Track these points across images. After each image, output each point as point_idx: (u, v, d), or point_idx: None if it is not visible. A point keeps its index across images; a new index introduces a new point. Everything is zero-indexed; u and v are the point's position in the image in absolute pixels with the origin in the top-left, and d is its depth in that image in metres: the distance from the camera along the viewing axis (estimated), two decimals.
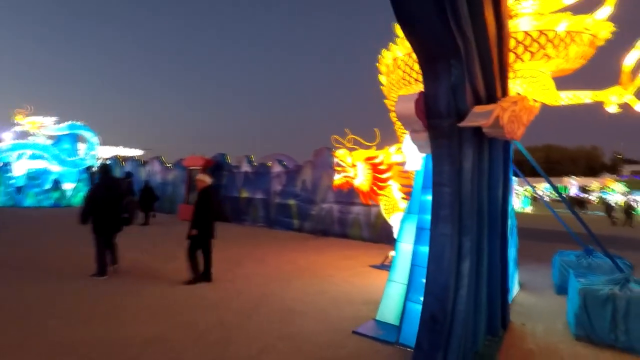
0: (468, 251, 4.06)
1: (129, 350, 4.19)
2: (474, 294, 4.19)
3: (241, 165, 18.28)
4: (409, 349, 4.48)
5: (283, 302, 6.11)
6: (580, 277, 5.61)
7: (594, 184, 72.74)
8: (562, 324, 5.81)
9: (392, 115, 7.63)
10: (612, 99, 5.15)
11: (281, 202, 16.23)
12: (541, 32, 4.68)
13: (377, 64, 6.80)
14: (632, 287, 5.07)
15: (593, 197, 61.25)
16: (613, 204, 31.60)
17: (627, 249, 12.40)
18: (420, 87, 5.79)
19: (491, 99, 4.13)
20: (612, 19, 4.80)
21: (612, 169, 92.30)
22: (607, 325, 4.91)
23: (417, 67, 5.25)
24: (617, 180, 72.10)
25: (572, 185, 72.63)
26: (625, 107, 5.21)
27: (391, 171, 9.17)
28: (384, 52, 6.22)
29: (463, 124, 3.52)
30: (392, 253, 8.60)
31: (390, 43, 6.23)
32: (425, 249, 5.00)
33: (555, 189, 6.01)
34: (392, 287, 5.73)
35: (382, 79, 7.02)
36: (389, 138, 10.11)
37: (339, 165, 9.79)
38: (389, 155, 9.13)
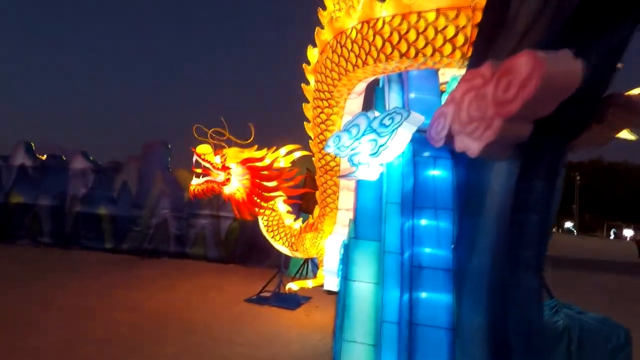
0: None
1: None
2: None
3: (14, 155, 12.23)
4: None
5: None
6: None
7: None
8: None
9: (307, 106, 5.83)
10: None
11: (85, 212, 11.50)
12: None
13: (316, 35, 4.91)
14: (569, 313, 4.94)
15: None
16: None
17: None
18: (380, 69, 4.26)
19: None
20: None
21: None
22: None
23: (396, 37, 3.68)
24: None
25: None
26: None
27: (278, 180, 7.26)
28: (332, 19, 4.45)
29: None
30: (292, 285, 6.68)
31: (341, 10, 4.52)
32: (436, 297, 3.47)
33: None
34: (354, 351, 3.92)
35: (313, 54, 5.18)
36: (265, 136, 8.21)
37: (201, 166, 7.21)
38: (278, 158, 7.19)
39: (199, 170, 7.24)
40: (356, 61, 4.30)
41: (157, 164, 11.34)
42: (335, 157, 5.90)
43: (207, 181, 7.23)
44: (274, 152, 7.24)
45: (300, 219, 7.45)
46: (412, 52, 3.79)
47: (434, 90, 4.66)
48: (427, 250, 3.59)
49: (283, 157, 7.26)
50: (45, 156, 12.32)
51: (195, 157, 7.30)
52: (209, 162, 7.21)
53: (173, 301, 6.71)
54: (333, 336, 5.62)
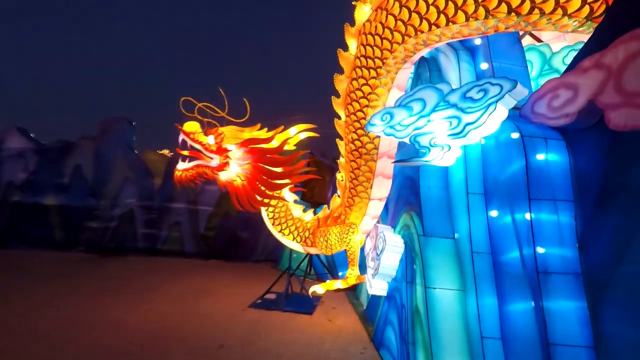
0: None
1: None
2: None
3: None
4: None
5: None
6: None
7: None
8: None
9: (341, 78, 4.89)
10: None
11: (27, 202, 9.52)
12: None
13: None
14: None
15: None
16: None
17: None
18: (471, 29, 3.42)
19: None
20: None
21: None
22: None
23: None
24: None
25: None
26: None
27: (284, 165, 6.21)
28: None
29: None
30: (317, 289, 5.71)
31: None
32: (570, 309, 2.80)
33: None
34: None
35: (362, 11, 4.18)
36: (264, 114, 7.09)
37: (187, 147, 6.00)
38: (286, 139, 6.13)
39: (185, 153, 6.01)
40: (438, 18, 3.46)
41: (119, 144, 9.68)
42: (375, 138, 5.07)
43: (197, 165, 6.06)
44: (281, 132, 6.17)
45: (311, 210, 6.55)
46: (526, 6, 3.04)
47: (521, 59, 3.98)
48: (551, 251, 2.94)
49: (292, 137, 6.24)
50: None
51: (181, 137, 6.06)
52: (199, 142, 6.01)
53: (164, 314, 5.51)
54: (377, 347, 4.86)
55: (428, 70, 4.55)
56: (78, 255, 9.02)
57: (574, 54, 3.92)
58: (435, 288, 3.49)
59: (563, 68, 4.08)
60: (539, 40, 4.75)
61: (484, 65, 4.04)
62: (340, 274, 8.55)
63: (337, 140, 5.64)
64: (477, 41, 4.20)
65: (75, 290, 6.38)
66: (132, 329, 4.85)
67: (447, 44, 4.19)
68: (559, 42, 4.52)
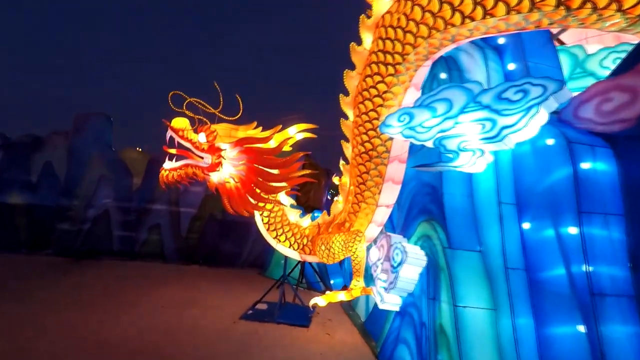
0: None
1: None
2: None
3: None
4: None
5: None
6: None
7: None
8: None
9: (352, 74, 4.53)
10: None
11: None
12: None
13: None
14: None
15: None
16: None
17: None
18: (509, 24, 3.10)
19: None
20: None
21: None
22: None
23: None
24: None
25: None
26: None
27: (281, 167, 5.78)
28: None
29: None
30: (318, 301, 5.30)
31: None
32: (625, 336, 2.51)
33: None
34: None
35: (381, 2, 3.85)
36: (258, 112, 6.63)
37: (176, 144, 5.48)
38: (285, 140, 5.69)
39: (173, 151, 5.48)
40: (473, 10, 3.16)
41: (95, 141, 8.94)
42: (387, 141, 4.73)
43: (185, 165, 5.53)
44: (279, 131, 5.71)
45: (309, 215, 6.13)
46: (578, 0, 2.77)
47: (554, 59, 3.74)
48: (605, 270, 2.67)
49: (291, 138, 5.79)
50: None
51: (169, 134, 5.51)
52: (189, 140, 5.50)
53: (146, 329, 4.95)
54: None
55: (447, 70, 4.26)
56: (47, 260, 8.21)
57: (615, 56, 3.70)
58: (465, 307, 3.16)
59: (601, 71, 3.88)
60: (562, 43, 4.56)
61: (511, 66, 3.78)
62: (332, 282, 8.19)
63: (342, 141, 5.27)
64: (501, 40, 3.94)
65: (46, 299, 5.71)
66: (109, 348, 4.29)
67: (471, 41, 3.91)
68: (581, 45, 4.31)
